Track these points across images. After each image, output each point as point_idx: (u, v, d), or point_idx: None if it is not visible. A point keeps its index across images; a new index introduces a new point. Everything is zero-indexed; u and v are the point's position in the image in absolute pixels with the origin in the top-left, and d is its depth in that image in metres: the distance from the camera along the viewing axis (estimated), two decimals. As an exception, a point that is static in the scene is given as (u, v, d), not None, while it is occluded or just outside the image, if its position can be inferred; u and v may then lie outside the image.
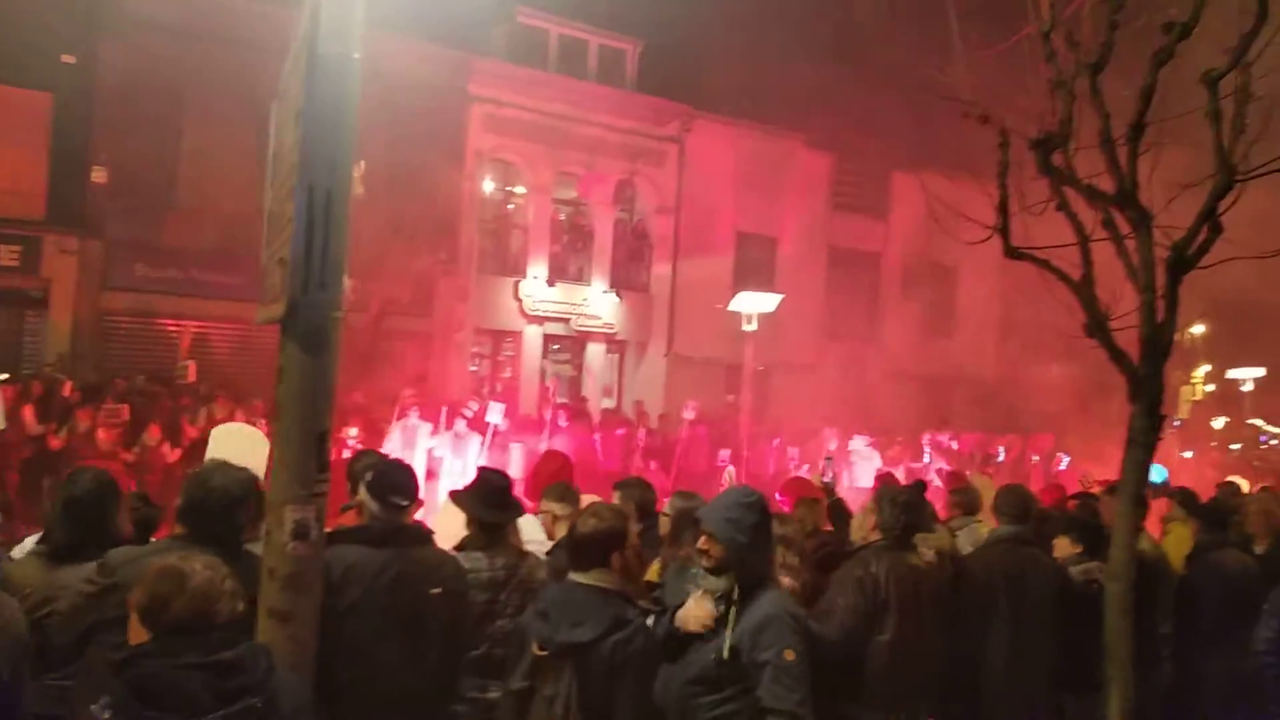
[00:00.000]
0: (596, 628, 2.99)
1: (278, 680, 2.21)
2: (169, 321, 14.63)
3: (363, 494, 3.42)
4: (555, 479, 5.25)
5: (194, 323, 14.70)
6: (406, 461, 3.87)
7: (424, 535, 3.51)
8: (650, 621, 3.28)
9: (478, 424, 11.04)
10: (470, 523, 4.11)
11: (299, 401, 2.91)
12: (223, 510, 3.18)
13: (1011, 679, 4.32)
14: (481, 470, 4.28)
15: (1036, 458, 15.21)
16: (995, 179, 4.54)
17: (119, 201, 13.99)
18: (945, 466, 13.24)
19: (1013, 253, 4.50)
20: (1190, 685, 4.95)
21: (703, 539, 3.32)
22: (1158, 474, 9.67)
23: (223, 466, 3.32)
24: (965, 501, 6.04)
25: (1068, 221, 4.46)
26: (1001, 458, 15.20)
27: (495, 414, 10.92)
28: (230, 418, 11.04)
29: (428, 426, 10.71)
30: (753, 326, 15.68)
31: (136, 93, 13.66)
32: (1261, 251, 4.42)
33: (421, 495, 3.67)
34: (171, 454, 9.61)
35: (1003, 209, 4.47)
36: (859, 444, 13.87)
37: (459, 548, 4.03)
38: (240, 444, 8.07)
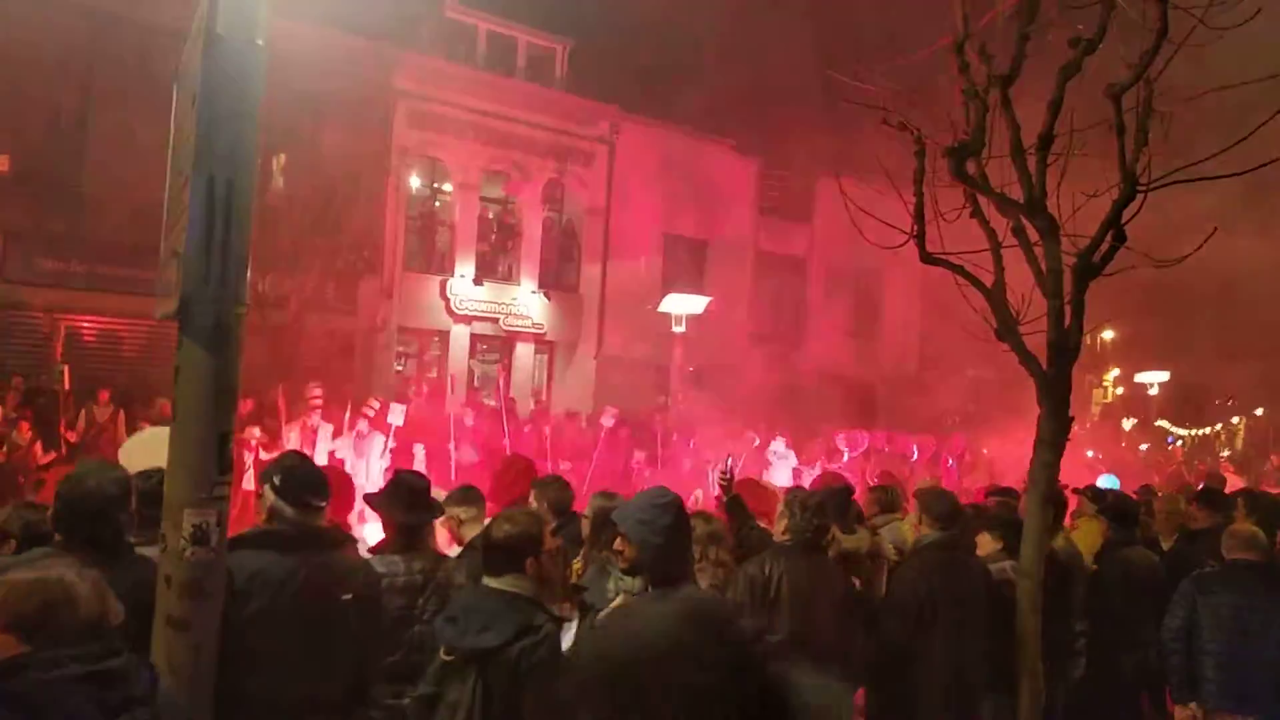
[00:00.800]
0: (503, 633, 2.93)
1: (163, 693, 2.10)
2: (69, 317, 13.98)
3: (270, 496, 3.29)
4: (518, 484, 5.18)
5: (95, 319, 14.08)
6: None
7: (338, 539, 3.40)
8: (565, 628, 3.24)
9: (380, 424, 10.74)
10: (387, 526, 4.02)
11: (198, 401, 2.79)
12: (98, 512, 3.05)
13: (948, 684, 4.34)
14: (398, 472, 4.19)
15: (953, 462, 15.59)
16: (912, 186, 4.63)
17: (21, 190, 13.36)
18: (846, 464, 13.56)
19: (928, 258, 4.59)
20: (1102, 679, 5.12)
21: (618, 540, 3.31)
22: (1110, 482, 10.03)
23: (99, 467, 3.17)
24: (886, 500, 6.14)
25: (981, 228, 4.57)
26: (915, 457, 15.53)
27: (396, 415, 10.66)
28: (113, 420, 10.62)
29: (329, 427, 10.31)
30: (681, 328, 15.79)
31: (39, 76, 13.07)
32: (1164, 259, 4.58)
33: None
34: (44, 456, 9.17)
35: (919, 216, 4.55)
36: (778, 445, 14.01)
37: (375, 551, 3.94)
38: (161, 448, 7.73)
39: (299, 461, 3.45)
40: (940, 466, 15.03)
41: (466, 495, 4.43)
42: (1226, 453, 25.48)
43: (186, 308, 2.68)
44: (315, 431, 10.09)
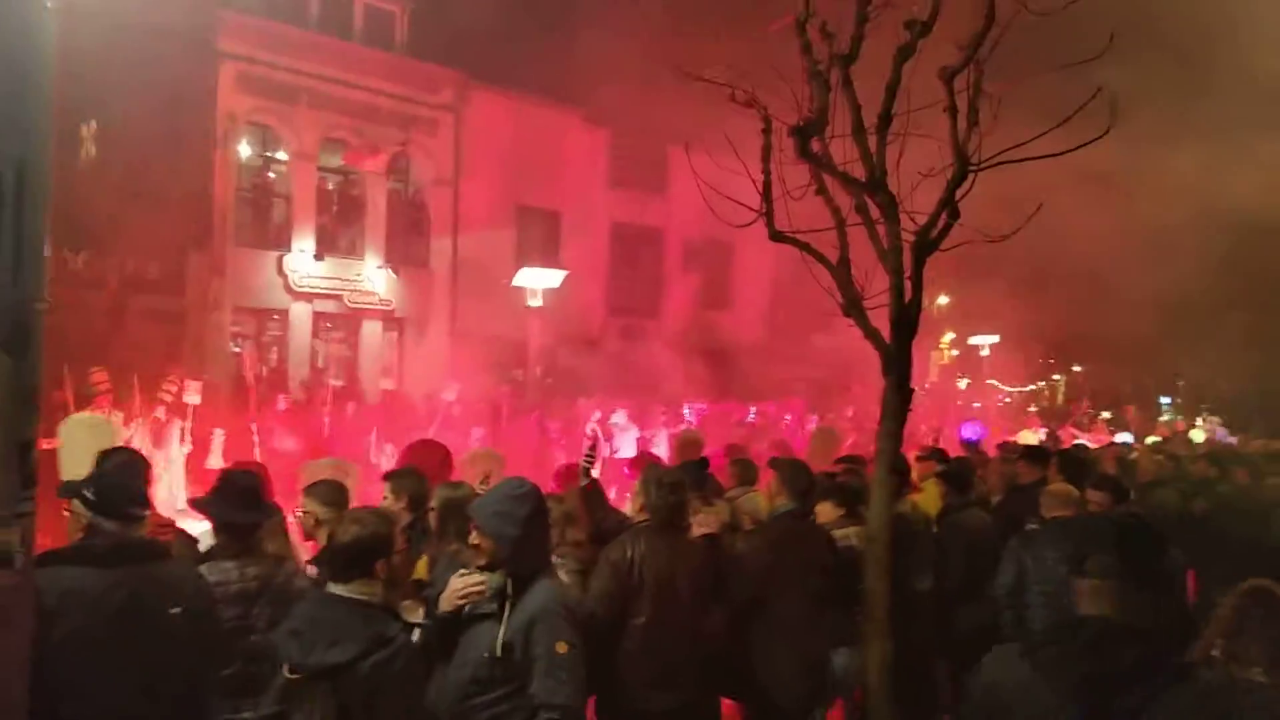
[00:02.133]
0: (354, 647, 2.78)
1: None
2: None
3: (79, 508, 3.00)
4: (435, 475, 4.82)
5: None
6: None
7: (160, 550, 3.14)
8: (415, 636, 3.12)
9: (178, 409, 9.94)
10: (217, 530, 3.74)
11: (-7, 408, 2.49)
12: None
13: (798, 649, 4.46)
14: (226, 471, 3.91)
15: (789, 417, 16.21)
16: (760, 162, 4.67)
17: None
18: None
19: (777, 236, 4.66)
20: (943, 638, 5.41)
21: (473, 534, 3.19)
22: (974, 430, 10.59)
23: None
24: (743, 473, 6.27)
25: (826, 206, 4.67)
26: (752, 417, 16.01)
27: (193, 393, 9.89)
28: None
29: (119, 415, 9.33)
30: (538, 302, 15.61)
31: None
32: (994, 235, 4.81)
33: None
34: None
35: (766, 194, 4.61)
36: (619, 417, 14.12)
37: (206, 557, 3.67)
38: (87, 437, 7.00)
39: (113, 468, 3.16)
40: (782, 428, 15.61)
41: (330, 493, 4.13)
42: (1034, 408, 27.60)
43: (-28, 306, 2.38)
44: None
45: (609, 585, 3.91)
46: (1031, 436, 15.30)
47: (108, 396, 9.24)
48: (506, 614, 3.10)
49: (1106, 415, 21.00)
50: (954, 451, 8.16)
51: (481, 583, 3.16)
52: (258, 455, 9.76)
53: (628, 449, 12.36)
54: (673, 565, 4.03)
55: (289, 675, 2.76)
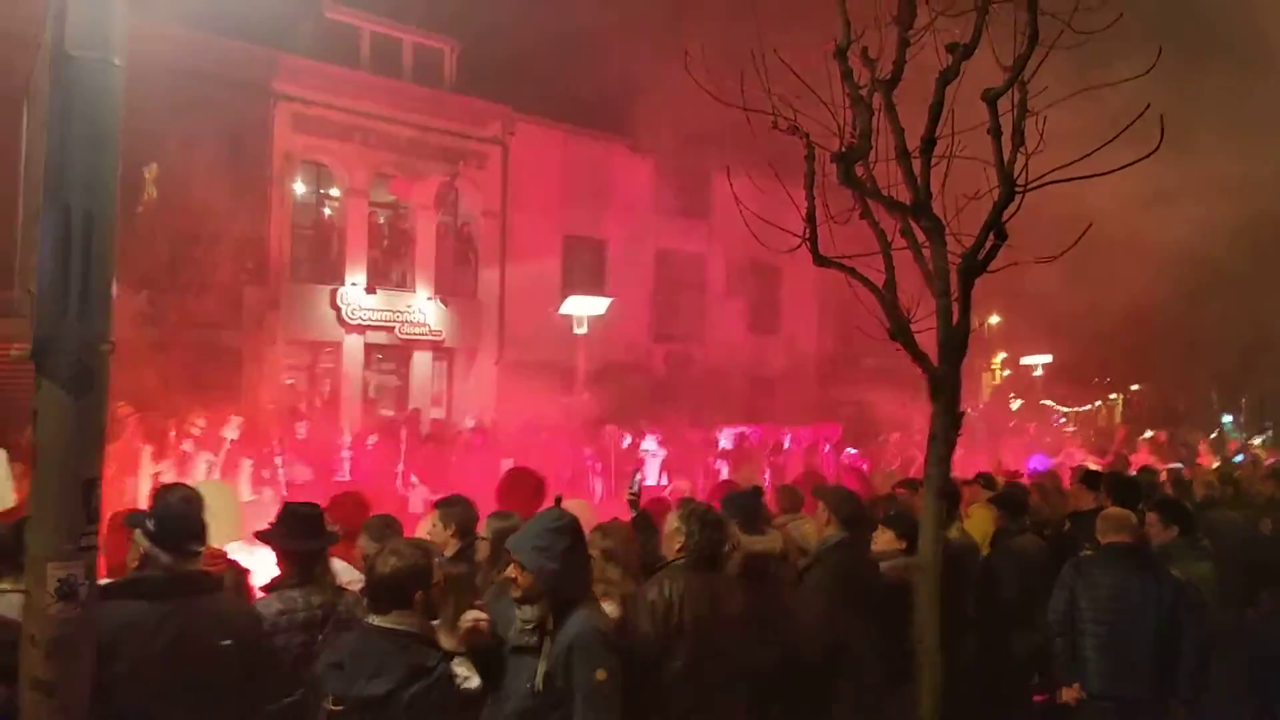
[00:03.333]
0: (393, 679, 2.80)
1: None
2: None
3: (141, 540, 3.08)
4: (531, 500, 4.87)
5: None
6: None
7: (212, 583, 3.21)
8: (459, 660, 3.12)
9: (210, 442, 10.15)
10: (281, 559, 3.80)
11: (61, 446, 2.58)
12: None
13: (857, 682, 4.37)
14: (286, 503, 3.98)
15: (828, 446, 15.98)
16: (803, 187, 4.67)
17: None
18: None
19: (821, 260, 4.65)
20: (994, 663, 5.29)
21: (511, 567, 3.20)
22: (1039, 462, 10.41)
23: None
24: (788, 500, 6.22)
25: (871, 230, 4.65)
26: (788, 445, 15.83)
27: (232, 429, 10.15)
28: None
29: (149, 449, 9.55)
30: (584, 330, 15.72)
31: None
32: (1043, 256, 4.75)
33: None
34: None
35: (810, 219, 4.60)
36: (649, 443, 14.04)
37: (270, 588, 3.74)
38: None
39: (176, 502, 3.24)
40: (819, 455, 15.40)
41: (382, 530, 4.21)
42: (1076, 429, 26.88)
43: (43, 349, 2.48)
44: (138, 455, 9.32)
45: (644, 627, 3.76)
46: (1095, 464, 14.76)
47: (134, 429, 9.36)
48: (547, 647, 3.11)
49: (1148, 434, 20.21)
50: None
51: (482, 619, 3.16)
52: (283, 484, 9.93)
53: (652, 474, 12.26)
54: (713, 605, 3.89)
55: (332, 708, 2.79)
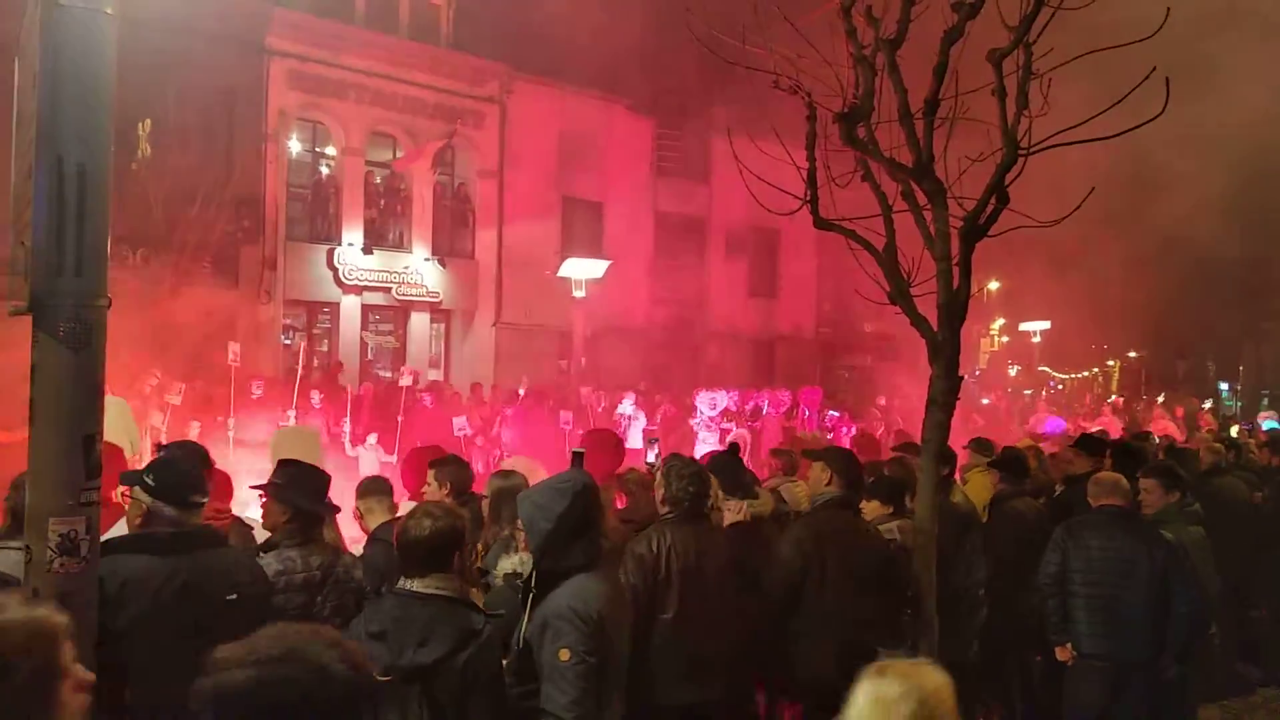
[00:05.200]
0: (444, 645, 2.73)
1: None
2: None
3: (142, 497, 3.09)
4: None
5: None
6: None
7: (216, 537, 3.22)
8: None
9: (158, 401, 10.01)
10: (285, 519, 3.76)
11: (59, 402, 2.58)
12: None
13: (840, 641, 4.37)
14: (294, 462, 3.95)
15: (809, 412, 15.94)
16: (805, 149, 4.63)
17: None
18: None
19: (822, 224, 4.62)
20: (1004, 624, 5.36)
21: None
22: (1054, 426, 10.40)
23: None
24: (785, 463, 6.24)
25: (872, 192, 4.62)
26: (766, 410, 15.77)
27: (174, 395, 9.96)
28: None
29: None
30: (582, 293, 15.68)
31: None
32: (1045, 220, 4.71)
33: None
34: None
35: (811, 182, 4.57)
36: (625, 406, 13.97)
37: (268, 546, 3.75)
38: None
39: (176, 455, 3.25)
40: (798, 419, 15.40)
41: (374, 484, 4.27)
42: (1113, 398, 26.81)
43: (40, 304, 2.46)
44: None
45: (634, 580, 3.82)
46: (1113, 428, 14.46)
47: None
48: (528, 609, 3.09)
49: (1161, 399, 20.14)
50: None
51: None
52: (230, 444, 9.79)
53: (635, 439, 12.20)
54: (700, 557, 3.96)
55: (380, 678, 2.74)
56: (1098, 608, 4.82)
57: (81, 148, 2.46)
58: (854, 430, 13.93)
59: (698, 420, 14.35)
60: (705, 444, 12.74)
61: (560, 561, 3.09)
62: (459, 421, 11.96)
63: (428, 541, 2.89)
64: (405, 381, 12.93)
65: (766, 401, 15.88)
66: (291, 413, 11.12)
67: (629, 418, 13.77)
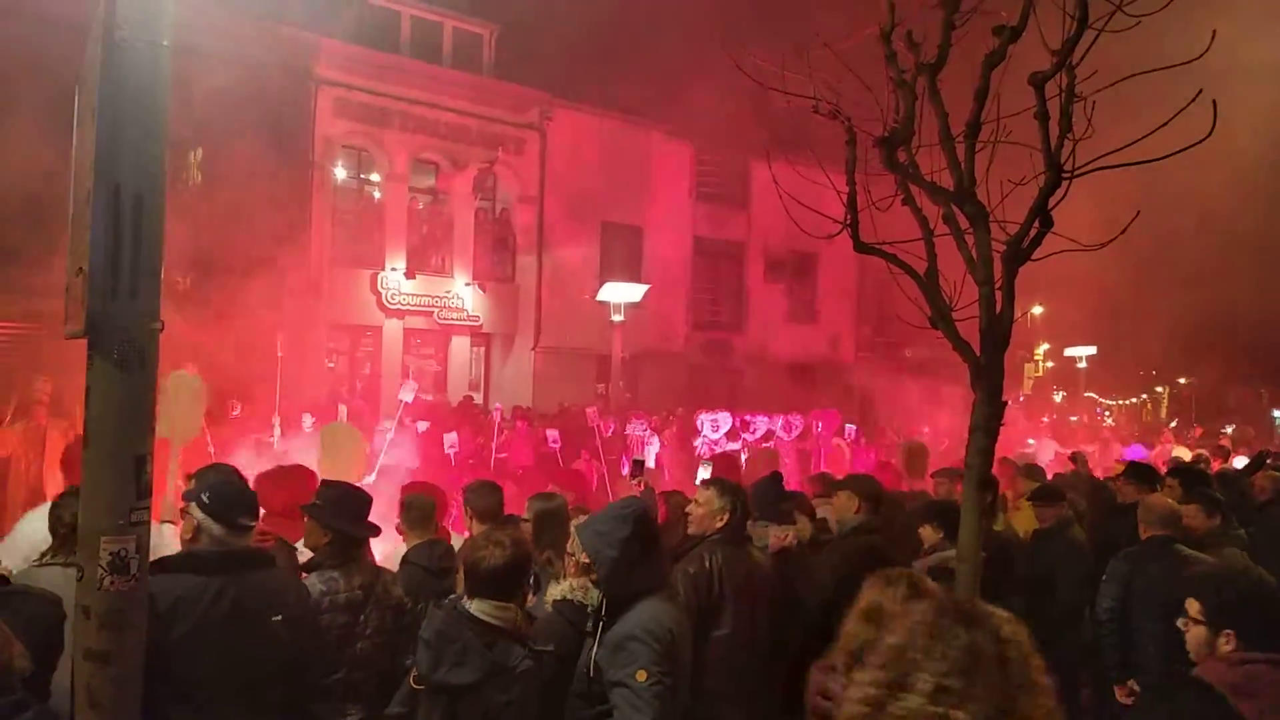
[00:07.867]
0: (473, 672, 2.81)
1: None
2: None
3: (197, 514, 3.14)
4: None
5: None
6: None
7: (264, 558, 3.27)
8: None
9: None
10: (327, 540, 3.82)
11: (112, 422, 2.65)
12: None
13: None
14: (338, 484, 4.01)
15: (819, 425, 15.66)
16: (844, 173, 4.62)
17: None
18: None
19: (862, 248, 4.60)
20: (1045, 656, 5.21)
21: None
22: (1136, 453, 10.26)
23: None
24: (823, 486, 6.21)
25: (913, 216, 4.59)
26: (780, 431, 15.49)
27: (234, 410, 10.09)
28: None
29: (62, 424, 9.02)
30: (620, 317, 15.70)
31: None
32: (1090, 243, 4.65)
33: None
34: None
35: (851, 205, 4.55)
36: (635, 427, 13.90)
37: (309, 567, 3.80)
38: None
39: (228, 477, 3.30)
40: (811, 441, 15.18)
41: (417, 503, 4.37)
42: (1174, 424, 26.11)
43: (95, 326, 2.54)
44: (44, 431, 9.00)
45: (689, 597, 3.87)
46: (1186, 454, 14.05)
47: (43, 406, 9.13)
48: (599, 634, 3.11)
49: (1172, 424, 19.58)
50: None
51: None
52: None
53: (650, 459, 12.11)
54: (749, 576, 4.02)
55: (414, 684, 2.82)
56: (1175, 643, 4.64)
57: (138, 175, 2.53)
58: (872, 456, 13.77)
59: (700, 441, 14.25)
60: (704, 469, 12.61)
61: (628, 586, 3.11)
62: (449, 438, 11.99)
63: (497, 572, 2.98)
64: (406, 396, 12.81)
65: (780, 423, 15.65)
66: (343, 408, 11.15)
67: (642, 440, 13.72)
